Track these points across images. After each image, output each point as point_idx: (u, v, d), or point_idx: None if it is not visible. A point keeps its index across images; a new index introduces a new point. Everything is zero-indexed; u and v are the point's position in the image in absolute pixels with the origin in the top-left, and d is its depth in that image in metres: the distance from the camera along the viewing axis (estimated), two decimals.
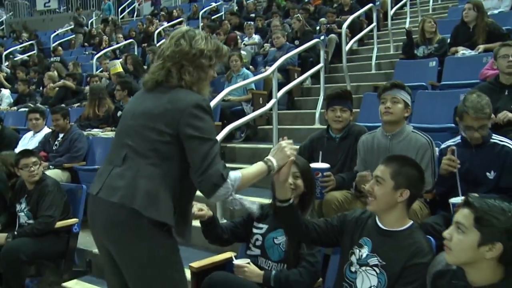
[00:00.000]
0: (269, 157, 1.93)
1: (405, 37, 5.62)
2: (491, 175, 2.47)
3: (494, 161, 2.48)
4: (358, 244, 2.07)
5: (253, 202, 2.24)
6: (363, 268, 2.01)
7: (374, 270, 1.98)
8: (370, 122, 3.62)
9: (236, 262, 2.32)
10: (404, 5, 8.78)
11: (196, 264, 2.52)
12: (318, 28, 8.27)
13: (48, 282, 3.68)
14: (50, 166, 4.62)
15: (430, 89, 4.46)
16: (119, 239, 1.81)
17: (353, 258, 2.06)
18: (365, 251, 2.03)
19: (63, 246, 3.56)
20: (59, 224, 3.50)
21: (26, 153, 3.76)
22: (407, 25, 8.09)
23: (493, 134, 2.55)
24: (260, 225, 2.45)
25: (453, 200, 2.38)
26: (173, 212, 1.81)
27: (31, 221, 3.54)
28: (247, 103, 5.76)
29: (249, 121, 4.82)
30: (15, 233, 3.40)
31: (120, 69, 7.20)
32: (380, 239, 2.02)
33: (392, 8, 8.00)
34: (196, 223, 2.34)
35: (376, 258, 1.99)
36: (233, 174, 1.79)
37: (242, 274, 2.27)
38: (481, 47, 4.64)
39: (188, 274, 2.58)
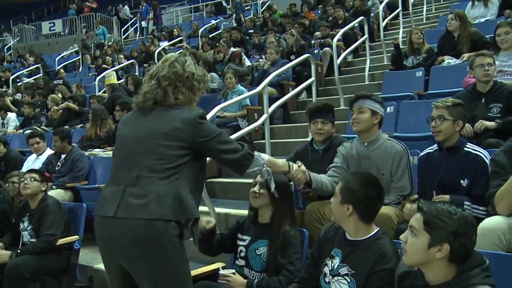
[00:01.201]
0: (294, 166, 2.41)
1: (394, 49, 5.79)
2: (464, 182, 2.56)
3: (467, 169, 2.57)
4: (330, 255, 2.19)
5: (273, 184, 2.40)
6: (335, 278, 2.14)
7: (345, 279, 2.10)
8: None
9: (221, 272, 2.46)
10: (397, 15, 8.92)
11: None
12: (313, 42, 8.46)
13: None
14: (53, 186, 4.79)
15: (417, 99, 4.58)
16: (142, 256, 1.91)
17: (326, 269, 2.19)
18: (336, 262, 2.16)
19: (65, 263, 3.70)
20: (60, 241, 3.64)
21: (31, 170, 3.99)
22: (400, 35, 8.26)
23: (468, 143, 2.65)
24: (244, 237, 2.61)
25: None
26: (196, 207, 2.00)
27: (33, 240, 3.67)
28: (243, 119, 5.92)
29: (242, 136, 4.96)
30: (18, 251, 3.55)
31: (115, 81, 7.42)
32: (349, 249, 2.14)
33: (384, 19, 8.12)
34: None
35: (346, 268, 2.12)
36: (260, 154, 2.19)
37: (227, 283, 2.40)
38: (466, 55, 4.77)
39: None
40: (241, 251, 2.58)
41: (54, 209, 3.70)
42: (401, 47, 6.27)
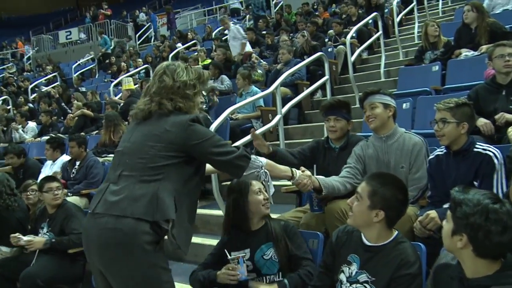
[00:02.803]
0: (297, 171, 2.37)
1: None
2: (477, 184, 2.44)
3: (478, 170, 2.44)
4: (347, 261, 2.09)
5: (273, 188, 2.33)
6: (354, 285, 2.04)
7: (365, 287, 2.01)
8: None
9: (234, 256, 2.38)
10: (412, 10, 8.74)
11: None
12: (326, 40, 8.35)
13: None
14: (69, 193, 4.79)
15: (434, 94, 4.45)
16: (112, 260, 1.88)
17: (343, 276, 2.09)
18: (354, 269, 2.06)
19: (80, 270, 3.68)
20: (75, 249, 3.61)
21: (49, 178, 4.01)
22: (415, 30, 8.12)
23: (478, 143, 2.51)
24: (241, 253, 2.45)
25: (447, 205, 2.40)
26: (174, 210, 1.91)
27: (54, 240, 3.66)
28: (257, 120, 5.85)
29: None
30: (53, 240, 3.57)
31: (132, 86, 7.44)
32: (367, 255, 2.04)
33: (398, 14, 7.97)
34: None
35: (365, 274, 2.02)
36: (257, 157, 2.15)
37: None
38: (484, 47, 4.62)
39: None
40: (247, 266, 2.44)
41: (77, 211, 3.78)
42: (416, 41, 6.17)
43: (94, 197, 2.04)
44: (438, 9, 9.38)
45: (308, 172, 2.50)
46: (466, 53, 4.78)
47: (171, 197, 1.92)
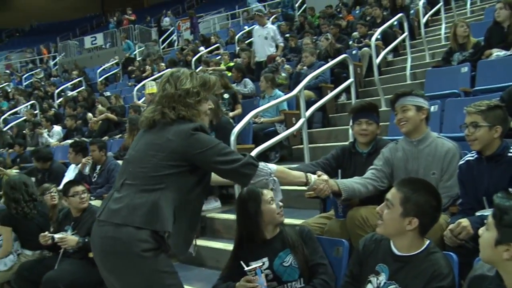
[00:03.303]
0: (312, 176, 2.28)
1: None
2: None
3: None
4: (375, 271, 1.99)
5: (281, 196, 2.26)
6: None
7: None
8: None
9: (247, 268, 2.26)
10: (439, 10, 8.54)
11: None
12: (350, 42, 8.23)
13: None
14: (91, 197, 4.80)
15: (463, 96, 4.30)
16: (114, 268, 1.91)
17: (370, 287, 1.99)
18: (382, 279, 1.96)
19: (100, 275, 3.66)
20: None
21: (74, 182, 4.01)
22: (442, 31, 7.92)
23: None
24: (257, 263, 2.33)
25: (479, 212, 2.28)
26: (173, 221, 1.90)
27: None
28: (280, 124, 5.78)
29: (278, 141, 4.82)
30: (86, 240, 3.54)
31: (155, 90, 7.44)
32: (397, 265, 1.94)
33: (424, 15, 7.78)
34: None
35: (394, 286, 1.92)
36: (266, 164, 2.07)
37: None
38: None
39: None
40: (266, 275, 2.35)
41: None
42: (443, 43, 5.99)
43: (101, 204, 2.08)
44: (466, 9, 9.14)
45: (325, 176, 2.39)
46: (497, 53, 4.62)
47: (171, 208, 1.91)
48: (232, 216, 4.33)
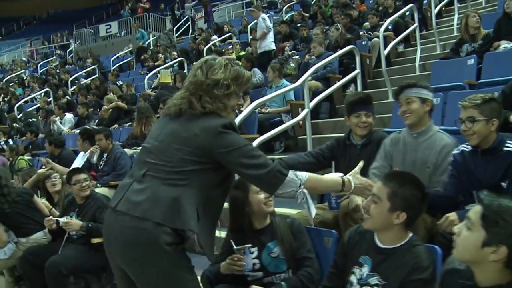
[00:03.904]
0: (350, 177, 2.03)
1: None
2: (505, 184, 2.28)
3: (508, 170, 2.27)
4: (358, 263, 2.02)
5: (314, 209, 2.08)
6: None
7: None
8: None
9: (240, 246, 2.34)
10: (453, 1, 8.39)
11: None
12: (362, 33, 8.16)
13: None
14: (98, 185, 4.90)
15: (468, 89, 4.26)
16: (135, 259, 1.84)
17: (353, 278, 2.01)
18: (365, 271, 1.98)
19: (103, 260, 3.71)
20: (98, 239, 3.68)
21: (76, 170, 4.09)
22: (455, 22, 7.81)
23: (508, 141, 2.33)
24: (248, 244, 2.40)
25: (469, 206, 2.28)
26: (196, 219, 1.83)
27: (82, 232, 3.72)
28: (287, 114, 5.79)
29: (282, 131, 4.84)
30: (90, 225, 3.61)
31: (168, 79, 7.50)
32: (379, 257, 1.96)
33: (436, 6, 7.67)
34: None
35: (376, 278, 1.94)
36: (296, 174, 1.89)
37: None
38: None
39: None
40: (254, 264, 2.41)
41: (108, 202, 3.80)
42: (455, 34, 5.91)
43: (117, 192, 1.99)
44: None
45: (363, 179, 2.10)
46: (505, 45, 4.55)
47: (194, 205, 1.84)
48: None
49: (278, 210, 3.41)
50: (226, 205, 4.32)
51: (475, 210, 1.51)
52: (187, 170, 1.84)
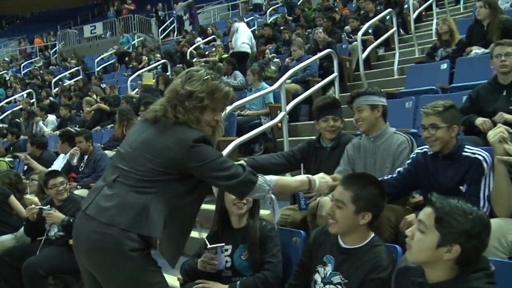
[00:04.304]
0: (315, 177, 2.15)
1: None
2: (464, 188, 2.36)
3: (466, 174, 2.36)
4: (322, 262, 2.10)
5: (278, 213, 2.22)
6: (327, 286, 2.05)
7: None
8: None
9: (213, 245, 2.43)
10: (430, 6, 8.56)
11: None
12: (343, 36, 8.27)
13: None
14: (78, 186, 4.92)
15: (440, 93, 4.37)
16: (101, 263, 1.88)
17: (318, 277, 2.10)
18: (329, 270, 2.07)
19: None
20: None
21: (53, 173, 4.07)
22: (433, 27, 7.95)
23: (467, 146, 2.43)
24: (221, 244, 2.48)
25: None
26: (163, 227, 1.87)
27: (61, 233, 3.79)
28: (266, 116, 5.86)
29: (260, 133, 4.91)
30: (71, 220, 3.58)
31: (151, 82, 7.54)
32: (342, 257, 2.05)
33: (415, 11, 7.82)
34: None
35: (339, 276, 2.03)
36: (265, 179, 1.96)
37: None
38: (493, 45, 4.49)
39: (176, 283, 2.75)
40: (226, 262, 2.50)
41: None
42: (434, 38, 6.05)
43: (89, 194, 2.03)
44: (459, 5, 9.16)
45: (328, 178, 2.25)
46: (476, 50, 4.68)
47: (162, 213, 1.88)
48: (211, 207, 4.41)
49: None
50: (207, 207, 4.42)
51: (426, 213, 1.60)
52: (157, 179, 1.88)
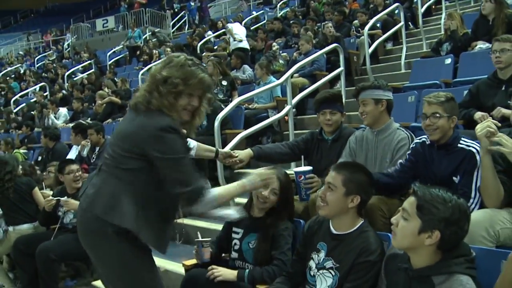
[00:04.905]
0: (251, 179, 2.14)
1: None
2: (457, 179, 2.44)
3: (460, 166, 2.44)
4: (316, 249, 2.22)
5: (232, 209, 2.26)
6: (321, 271, 2.17)
7: (330, 272, 2.14)
8: None
9: (198, 239, 2.57)
10: (440, 0, 8.56)
11: (187, 262, 2.79)
12: (351, 30, 8.32)
13: (85, 282, 4.10)
14: None
15: (444, 87, 4.43)
16: (90, 246, 1.97)
17: (312, 263, 2.22)
18: (322, 255, 2.19)
19: None
20: None
21: (69, 161, 4.28)
22: (442, 21, 7.95)
23: (463, 138, 2.50)
24: (238, 230, 2.65)
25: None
26: (134, 218, 1.88)
27: (75, 220, 3.87)
28: (273, 110, 5.95)
29: (267, 126, 5.02)
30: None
31: None
32: (334, 243, 2.16)
33: (423, 5, 7.84)
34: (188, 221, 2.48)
35: (331, 261, 2.15)
36: (211, 193, 1.90)
37: (217, 274, 2.44)
38: None
39: (182, 270, 2.87)
40: (235, 244, 2.63)
41: None
42: (442, 32, 6.08)
43: (85, 182, 2.19)
44: None
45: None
46: (481, 45, 4.72)
47: (134, 203, 1.88)
48: None
49: None
50: None
51: (409, 202, 1.72)
52: (130, 167, 1.90)
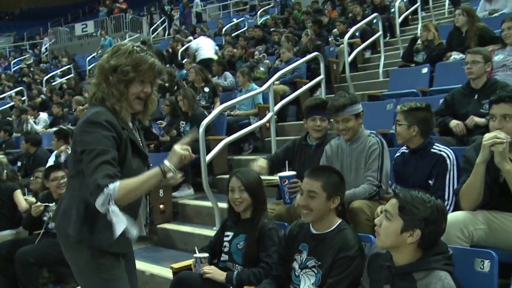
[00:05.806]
0: (164, 162, 1.86)
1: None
2: (432, 182, 2.62)
3: (433, 169, 2.62)
4: (298, 250, 2.33)
5: (132, 224, 1.81)
6: (304, 271, 2.29)
7: (313, 271, 2.26)
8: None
9: (196, 255, 2.63)
10: (416, 11, 8.83)
11: (176, 265, 2.87)
12: (330, 39, 8.49)
13: None
14: None
15: (421, 96, 4.60)
16: (64, 253, 1.99)
17: (295, 264, 2.33)
18: (304, 256, 2.31)
19: None
20: None
21: (54, 167, 4.27)
22: (419, 31, 8.20)
23: (436, 144, 2.69)
24: (228, 233, 2.75)
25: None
26: (82, 225, 1.84)
27: None
28: (255, 117, 6.06)
29: (248, 133, 5.11)
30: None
31: None
32: (314, 243, 2.29)
33: (400, 15, 8.08)
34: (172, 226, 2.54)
35: (313, 260, 2.26)
36: (112, 184, 1.72)
37: (208, 274, 2.54)
38: None
39: (168, 273, 2.94)
40: (225, 246, 2.73)
41: None
42: (419, 42, 6.31)
43: None
44: (444, 9, 9.43)
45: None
46: (455, 56, 4.92)
47: (82, 209, 1.84)
48: (202, 203, 4.62)
49: None
50: (198, 203, 4.56)
51: (391, 203, 1.85)
52: (75, 173, 1.88)
